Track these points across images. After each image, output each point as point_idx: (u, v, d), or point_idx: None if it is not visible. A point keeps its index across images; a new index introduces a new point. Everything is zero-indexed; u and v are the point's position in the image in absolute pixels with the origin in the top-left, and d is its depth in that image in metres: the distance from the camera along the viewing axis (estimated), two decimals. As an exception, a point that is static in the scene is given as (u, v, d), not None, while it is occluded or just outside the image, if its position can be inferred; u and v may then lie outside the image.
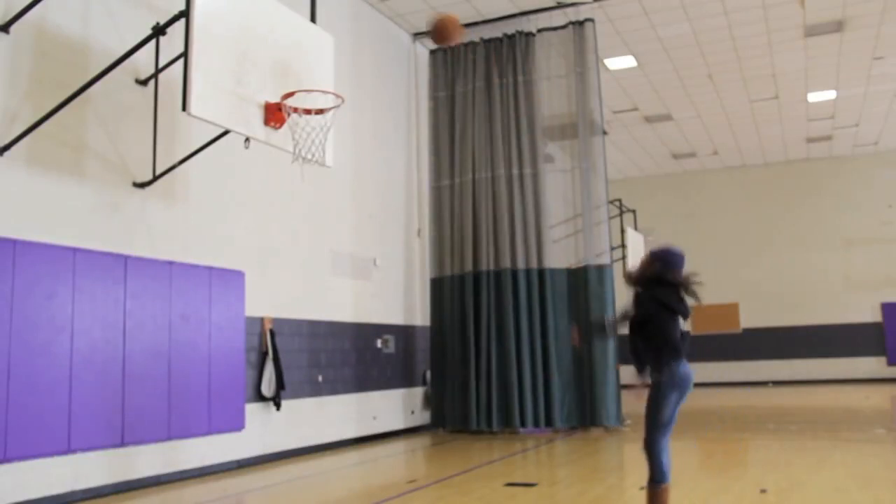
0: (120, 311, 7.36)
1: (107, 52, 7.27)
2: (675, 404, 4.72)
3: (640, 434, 4.83)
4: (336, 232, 10.96)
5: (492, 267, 12.16)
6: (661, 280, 4.85)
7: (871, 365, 21.92)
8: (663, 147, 21.32)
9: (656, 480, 4.73)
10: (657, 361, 4.75)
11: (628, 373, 5.65)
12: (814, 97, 17.52)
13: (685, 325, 4.94)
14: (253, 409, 9.01)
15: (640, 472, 8.62)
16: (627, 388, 5.02)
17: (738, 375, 22.53)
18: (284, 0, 6.93)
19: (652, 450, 4.71)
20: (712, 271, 23.28)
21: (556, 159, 12.91)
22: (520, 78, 12.47)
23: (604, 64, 14.67)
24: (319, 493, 7.71)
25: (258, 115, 6.41)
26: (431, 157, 12.97)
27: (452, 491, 7.10)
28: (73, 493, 6.83)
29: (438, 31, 5.98)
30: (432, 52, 13.29)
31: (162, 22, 6.56)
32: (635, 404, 5.53)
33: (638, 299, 4.92)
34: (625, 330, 5.01)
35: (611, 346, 11.58)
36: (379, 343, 11.63)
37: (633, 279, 5.03)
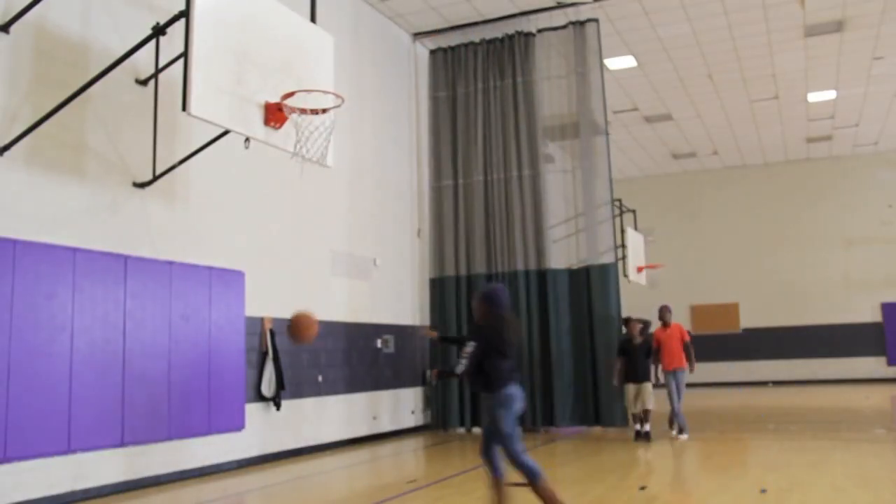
0: (120, 311, 7.36)
1: (107, 52, 7.27)
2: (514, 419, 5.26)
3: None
4: (336, 232, 10.95)
5: (492, 267, 12.17)
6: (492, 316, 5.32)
7: (871, 365, 21.91)
8: (663, 147, 21.31)
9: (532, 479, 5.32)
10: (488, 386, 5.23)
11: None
12: (814, 97, 17.51)
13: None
14: (253, 409, 9.01)
15: (640, 472, 8.65)
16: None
17: (738, 375, 22.51)
18: (284, 0, 6.93)
19: (512, 457, 5.25)
20: (712, 271, 23.47)
21: (556, 160, 12.91)
22: (519, 78, 12.48)
23: (604, 64, 14.66)
24: (319, 493, 7.71)
25: (258, 115, 6.40)
26: (431, 158, 12.97)
27: (452, 491, 7.10)
28: (73, 493, 6.83)
29: (294, 328, 6.35)
30: (432, 52, 13.29)
31: (162, 22, 6.56)
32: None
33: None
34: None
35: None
36: (379, 343, 11.63)
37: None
